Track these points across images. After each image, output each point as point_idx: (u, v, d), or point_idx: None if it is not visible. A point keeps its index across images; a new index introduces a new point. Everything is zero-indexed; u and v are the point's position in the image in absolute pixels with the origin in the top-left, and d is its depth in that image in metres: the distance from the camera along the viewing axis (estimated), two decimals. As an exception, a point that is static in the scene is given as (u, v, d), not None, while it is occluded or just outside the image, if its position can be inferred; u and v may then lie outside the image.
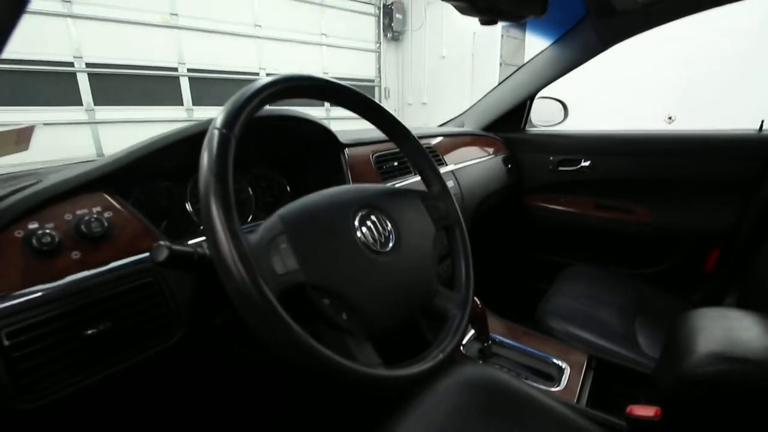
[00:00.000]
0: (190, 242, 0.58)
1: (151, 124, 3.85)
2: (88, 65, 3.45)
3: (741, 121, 1.31)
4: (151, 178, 0.66)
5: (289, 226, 0.48)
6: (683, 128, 1.42)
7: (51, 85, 3.30)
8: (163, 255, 0.41)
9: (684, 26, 1.18)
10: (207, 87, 4.21)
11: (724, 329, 0.56)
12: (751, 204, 1.19)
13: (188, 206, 0.70)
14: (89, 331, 0.46)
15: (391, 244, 0.56)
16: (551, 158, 1.53)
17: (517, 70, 1.53)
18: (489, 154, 1.46)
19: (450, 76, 5.53)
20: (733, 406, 0.51)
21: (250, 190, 0.80)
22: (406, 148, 0.68)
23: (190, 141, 0.58)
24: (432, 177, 0.70)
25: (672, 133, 1.41)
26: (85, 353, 0.46)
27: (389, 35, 5.75)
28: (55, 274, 0.46)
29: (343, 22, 5.30)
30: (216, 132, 0.42)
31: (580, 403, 0.82)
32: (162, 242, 0.42)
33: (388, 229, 0.57)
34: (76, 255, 0.48)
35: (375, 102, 0.62)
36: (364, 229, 0.54)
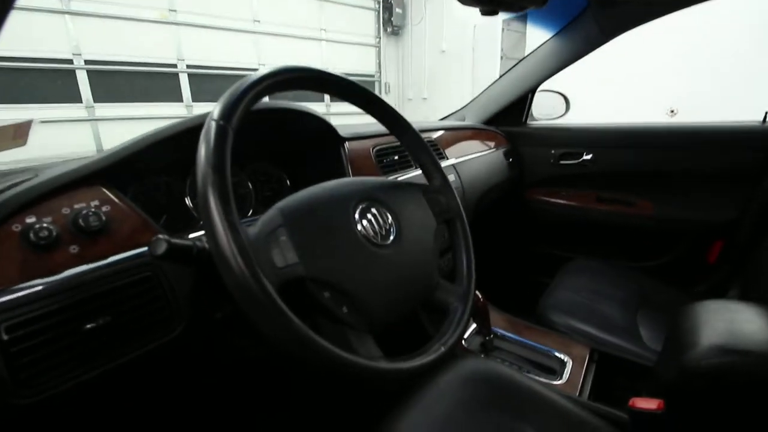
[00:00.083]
0: (190, 236, 0.58)
1: (151, 120, 3.83)
2: (87, 62, 3.43)
3: (744, 113, 1.30)
4: (150, 173, 0.66)
5: (289, 218, 0.47)
6: (685, 121, 1.41)
7: (50, 82, 3.29)
8: (161, 248, 0.41)
9: (686, 17, 1.17)
10: (206, 83, 4.19)
11: (726, 322, 0.55)
12: (754, 196, 1.18)
13: (188, 201, 0.70)
14: (88, 326, 0.46)
15: (391, 237, 0.55)
16: (552, 152, 1.52)
17: (518, 63, 1.52)
18: (490, 148, 1.45)
19: (450, 70, 5.49)
20: (735, 398, 0.51)
21: (249, 184, 0.80)
22: (406, 141, 0.68)
23: (188, 134, 0.57)
24: (433, 170, 0.69)
25: (674, 126, 1.41)
26: (84, 348, 0.46)
27: (389, 30, 5.70)
28: (53, 269, 0.46)
29: (343, 17, 5.25)
30: (213, 123, 0.42)
31: (582, 396, 0.82)
32: (161, 236, 0.41)
33: (389, 222, 0.56)
34: (74, 249, 0.48)
35: (375, 94, 0.62)
36: (364, 222, 0.53)
